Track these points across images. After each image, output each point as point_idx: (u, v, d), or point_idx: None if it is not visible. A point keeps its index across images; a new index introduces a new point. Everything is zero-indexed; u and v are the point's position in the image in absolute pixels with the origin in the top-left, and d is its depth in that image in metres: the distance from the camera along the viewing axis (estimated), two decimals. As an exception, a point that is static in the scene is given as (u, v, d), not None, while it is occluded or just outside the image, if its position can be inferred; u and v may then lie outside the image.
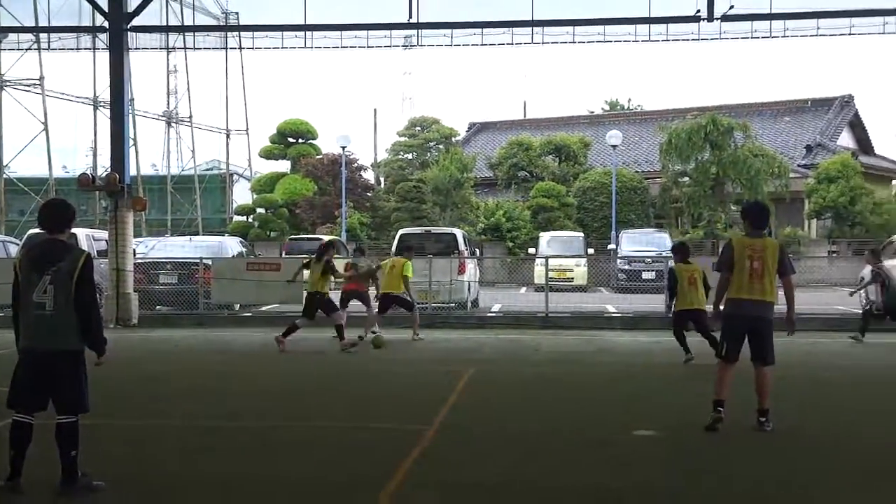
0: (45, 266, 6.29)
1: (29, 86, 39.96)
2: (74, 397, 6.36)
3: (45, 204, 6.75)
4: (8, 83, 39.23)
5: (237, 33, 28.83)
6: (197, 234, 39.64)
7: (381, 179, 46.39)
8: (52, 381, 6.31)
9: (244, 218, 43.69)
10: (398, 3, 21.19)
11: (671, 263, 14.61)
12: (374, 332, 15.80)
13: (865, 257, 18.01)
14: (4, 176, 39.96)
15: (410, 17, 21.18)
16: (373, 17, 21.85)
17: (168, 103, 47.70)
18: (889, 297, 16.70)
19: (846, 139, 45.49)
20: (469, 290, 21.21)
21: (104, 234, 21.60)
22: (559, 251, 29.39)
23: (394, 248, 21.84)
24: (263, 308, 21.48)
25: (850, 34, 20.78)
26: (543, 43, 21.90)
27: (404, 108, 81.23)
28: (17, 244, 23.74)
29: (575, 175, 40.85)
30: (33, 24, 31.12)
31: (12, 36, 31.32)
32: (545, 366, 13.48)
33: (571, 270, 27.65)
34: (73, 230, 22.49)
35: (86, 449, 6.54)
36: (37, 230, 25.41)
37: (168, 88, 47.33)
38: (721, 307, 8.64)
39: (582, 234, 33.13)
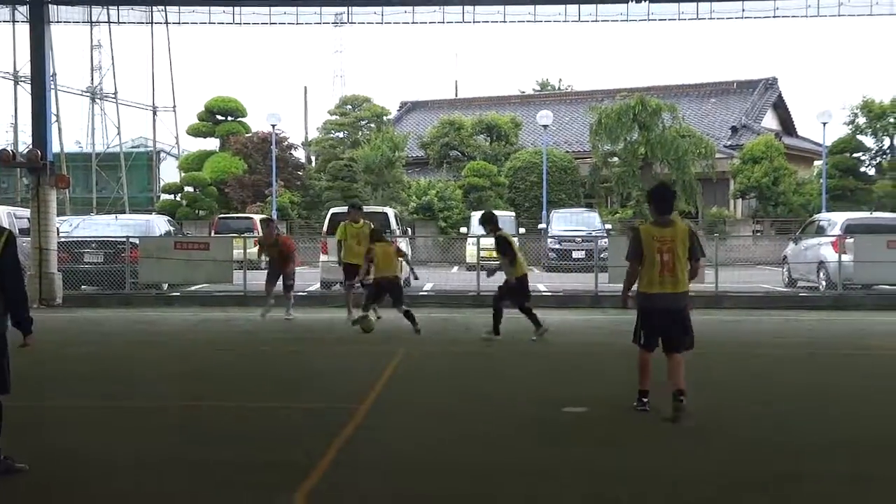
0: None
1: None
2: None
3: None
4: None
5: (163, 7, 28.24)
6: (123, 212, 38.86)
7: (312, 158, 46.02)
8: None
9: (172, 196, 42.95)
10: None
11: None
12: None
13: None
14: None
15: (341, -7, 20.98)
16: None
17: (92, 79, 46.61)
18: None
19: (770, 121, 46.49)
20: (401, 270, 21.13)
21: (26, 213, 21.05)
22: (490, 231, 29.48)
23: (325, 227, 21.71)
24: (192, 288, 21.19)
25: (774, 17, 21.18)
26: (474, 22, 21.88)
27: (335, 87, 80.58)
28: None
29: (506, 155, 41.03)
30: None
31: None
32: (475, 345, 13.55)
33: (502, 249, 27.74)
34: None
35: (9, 433, 6.40)
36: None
37: (92, 64, 46.22)
38: (629, 294, 8.56)
39: (513, 214, 33.30)
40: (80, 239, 21.40)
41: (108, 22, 39.27)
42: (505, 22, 21.75)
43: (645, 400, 8.44)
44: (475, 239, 23.19)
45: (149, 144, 50.53)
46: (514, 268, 13.37)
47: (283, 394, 9.71)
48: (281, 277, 16.58)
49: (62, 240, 20.50)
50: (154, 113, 47.80)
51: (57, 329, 15.55)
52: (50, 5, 20.19)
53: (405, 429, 7.95)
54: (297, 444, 7.32)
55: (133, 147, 51.78)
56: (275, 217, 34.81)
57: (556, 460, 6.92)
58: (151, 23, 39.04)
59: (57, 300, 18.98)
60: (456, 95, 59.51)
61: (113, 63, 46.08)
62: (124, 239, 20.43)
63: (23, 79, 38.18)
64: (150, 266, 20.07)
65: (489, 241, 26.59)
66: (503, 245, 13.22)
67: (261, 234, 17.21)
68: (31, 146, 19.83)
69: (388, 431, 7.81)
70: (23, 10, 21.46)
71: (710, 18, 21.36)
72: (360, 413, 8.41)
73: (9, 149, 25.75)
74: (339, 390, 9.75)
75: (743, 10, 21.18)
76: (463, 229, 31.52)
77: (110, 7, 32.35)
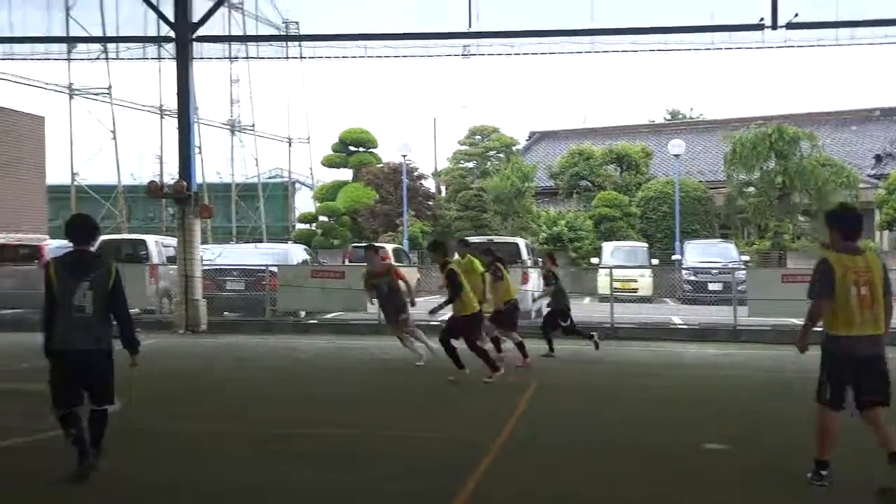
0: (81, 275, 6.84)
1: (98, 95, 40.78)
2: (107, 391, 7.02)
3: (72, 219, 7.24)
4: (78, 92, 40.09)
5: (298, 43, 29.11)
6: (261, 241, 40.10)
7: (442, 188, 46.48)
8: (87, 377, 6.91)
9: (307, 226, 44.09)
10: (457, 12, 21.17)
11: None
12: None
13: None
14: (75, 183, 40.82)
15: (470, 25, 21.15)
16: (431, 26, 21.83)
17: (231, 112, 48.40)
18: None
19: (917, 149, 44.41)
20: (532, 300, 21.10)
21: (172, 241, 21.94)
22: (623, 261, 29.15)
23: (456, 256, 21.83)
24: (328, 315, 21.61)
25: (920, 41, 20.28)
26: (603, 52, 21.73)
27: (463, 117, 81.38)
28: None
29: (637, 185, 40.48)
30: (101, 35, 31.78)
31: (82, 46, 32.04)
32: (611, 377, 13.33)
33: (636, 281, 27.39)
34: (143, 237, 22.85)
35: (149, 452, 6.65)
36: (109, 236, 25.93)
37: (231, 97, 48.03)
38: (806, 338, 7.11)
39: (646, 245, 32.81)
40: (222, 267, 22.12)
41: (247, 58, 40.85)
42: (635, 51, 21.55)
43: (824, 472, 6.94)
44: (608, 270, 22.91)
45: (285, 175, 52.08)
46: (461, 302, 12.37)
47: (420, 423, 9.75)
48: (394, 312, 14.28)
49: (206, 267, 21.23)
50: (289, 144, 49.29)
51: (202, 354, 16.13)
52: (194, 43, 21.05)
53: (544, 465, 7.86)
54: (432, 477, 7.34)
55: (270, 178, 53.44)
56: (406, 246, 35.31)
57: (692, 496, 6.72)
58: (287, 57, 40.57)
59: (202, 326, 19.64)
60: (585, 125, 59.25)
61: (251, 97, 47.81)
62: (264, 267, 21.02)
63: (168, 113, 39.95)
64: (289, 294, 20.56)
65: (624, 272, 26.43)
66: (451, 277, 12.31)
67: (374, 263, 14.42)
68: (176, 178, 20.65)
69: (525, 469, 7.74)
70: (169, 47, 22.44)
71: (850, 44, 20.62)
72: (496, 447, 8.37)
73: (156, 180, 26.95)
74: (473, 423, 9.73)
75: (885, 35, 20.37)
76: (594, 260, 31.19)
77: (249, 43, 33.71)
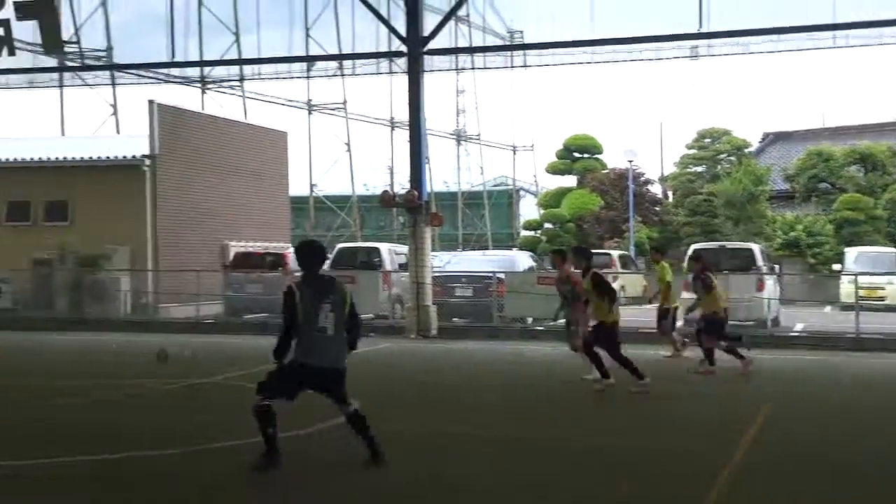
0: (322, 298, 7.32)
1: (334, 109, 42.82)
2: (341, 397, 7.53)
3: (302, 246, 7.68)
4: (316, 107, 42.24)
5: (523, 52, 29.26)
6: (487, 248, 40.68)
7: (669, 193, 45.38)
8: (320, 389, 7.45)
9: (532, 233, 44.31)
10: (686, 13, 20.57)
11: None
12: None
13: None
14: (314, 194, 43.01)
15: (700, 26, 20.50)
16: (660, 29, 21.32)
17: (457, 122, 49.45)
18: None
19: None
20: (768, 308, 20.18)
21: (403, 249, 22.64)
22: (868, 268, 27.30)
23: (685, 264, 21.24)
24: (553, 322, 21.56)
25: None
26: (847, 47, 20.46)
27: (691, 120, 79.27)
28: (328, 257, 25.48)
29: (883, 186, 37.84)
30: (338, 52, 33.29)
31: (320, 63, 33.74)
32: (853, 390, 12.49)
33: (883, 289, 25.59)
34: (377, 244, 23.71)
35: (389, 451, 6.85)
36: (346, 244, 27.13)
37: (457, 108, 49.07)
38: None
39: (894, 250, 30.60)
40: (451, 273, 22.59)
41: (473, 68, 41.61)
42: (882, 45, 20.16)
43: None
44: (852, 276, 21.54)
45: (509, 183, 52.64)
46: (604, 310, 11.88)
47: (643, 434, 9.51)
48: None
49: (435, 274, 21.74)
50: (514, 152, 49.79)
51: (433, 358, 16.53)
52: (424, 56, 21.62)
53: (782, 481, 7.44)
54: (669, 489, 7.11)
55: (494, 186, 54.20)
56: (632, 252, 34.73)
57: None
58: (511, 67, 41.00)
59: (432, 331, 20.12)
60: (824, 124, 56.06)
61: (476, 106, 48.68)
62: (491, 274, 21.27)
63: (399, 125, 41.34)
64: (515, 300, 20.71)
65: (870, 280, 24.75)
66: (597, 284, 11.93)
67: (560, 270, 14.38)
68: (407, 187, 21.27)
69: (762, 484, 7.35)
70: (400, 62, 23.17)
71: None
72: (728, 467, 8.02)
73: (389, 190, 27.94)
74: (706, 437, 9.36)
75: None
76: (836, 266, 29.42)
77: (475, 55, 34.29)
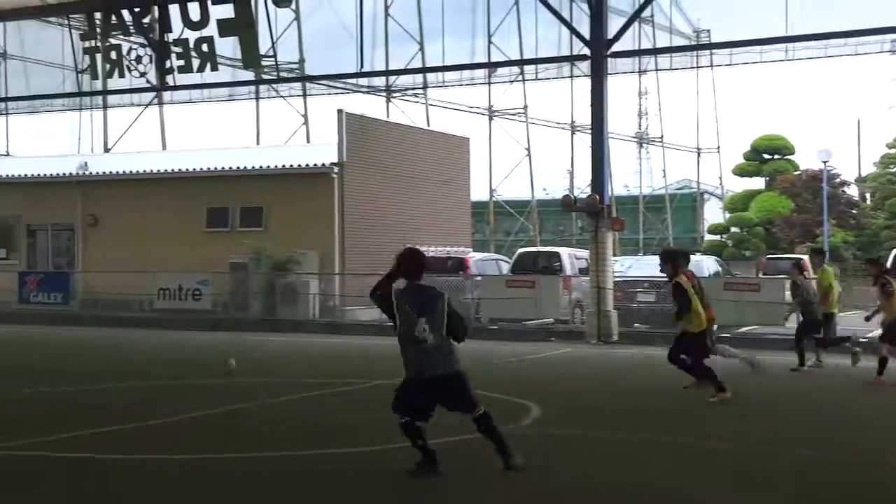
0: (422, 308, 7.21)
1: (514, 115, 43.02)
2: (466, 401, 7.29)
3: (406, 254, 7.56)
4: (497, 113, 42.58)
5: (709, 51, 28.49)
6: (669, 253, 39.77)
7: (867, 195, 43.04)
8: (440, 397, 7.25)
9: (717, 237, 43.05)
10: (886, 4, 19.45)
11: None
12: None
13: None
14: (493, 199, 43.34)
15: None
16: (859, 23, 20.27)
17: (639, 124, 48.63)
18: None
19: None
20: None
21: (583, 253, 22.45)
22: None
23: (889, 263, 20.10)
24: (741, 329, 20.84)
25: None
26: None
27: (892, 117, 74.76)
28: (507, 262, 25.62)
29: None
30: (519, 58, 33.45)
31: (501, 69, 34.01)
32: None
33: None
34: (557, 249, 23.60)
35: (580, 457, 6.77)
36: (526, 249, 27.23)
37: (640, 110, 48.25)
38: None
39: None
40: (633, 278, 22.21)
41: (657, 70, 40.93)
42: None
43: None
44: None
45: (693, 186, 51.29)
46: (689, 319, 11.50)
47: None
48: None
49: (616, 279, 21.44)
50: (698, 155, 48.47)
51: (614, 364, 16.33)
52: (607, 59, 21.36)
53: None
54: None
55: (677, 189, 52.97)
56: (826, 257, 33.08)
57: None
58: (697, 67, 40.03)
59: (613, 336, 19.85)
60: None
61: (659, 108, 47.71)
62: (675, 279, 20.73)
63: (579, 129, 41.08)
64: (702, 306, 20.11)
65: None
66: (677, 291, 11.55)
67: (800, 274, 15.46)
68: (587, 191, 21.10)
69: None
70: (583, 66, 23.02)
71: None
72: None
73: (569, 195, 27.82)
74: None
75: None
76: None
77: (660, 56, 33.67)
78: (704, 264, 23.97)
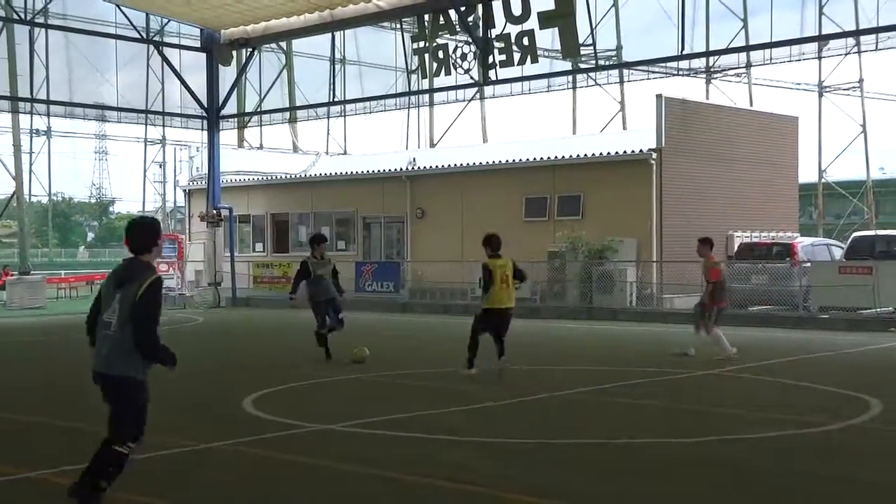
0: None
1: (848, 89, 40.05)
2: None
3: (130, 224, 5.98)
4: (828, 89, 39.85)
5: None
6: None
7: None
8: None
9: None
10: None
11: None
12: None
13: None
14: (823, 180, 40.69)
15: None
16: None
17: None
18: None
19: None
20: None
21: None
22: None
23: None
24: None
25: None
26: None
27: None
28: (841, 247, 23.89)
29: None
30: (854, 28, 30.95)
31: (834, 42, 31.64)
32: None
33: None
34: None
35: None
36: (862, 232, 25.28)
37: None
38: None
39: None
40: None
41: None
42: None
43: None
44: None
45: None
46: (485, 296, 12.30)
47: None
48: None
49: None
50: None
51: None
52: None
53: None
54: None
55: None
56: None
57: None
58: None
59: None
60: None
61: None
62: None
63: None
64: None
65: None
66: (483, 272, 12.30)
67: None
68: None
69: None
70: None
71: None
72: None
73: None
74: None
75: None
76: None
77: None
78: None
